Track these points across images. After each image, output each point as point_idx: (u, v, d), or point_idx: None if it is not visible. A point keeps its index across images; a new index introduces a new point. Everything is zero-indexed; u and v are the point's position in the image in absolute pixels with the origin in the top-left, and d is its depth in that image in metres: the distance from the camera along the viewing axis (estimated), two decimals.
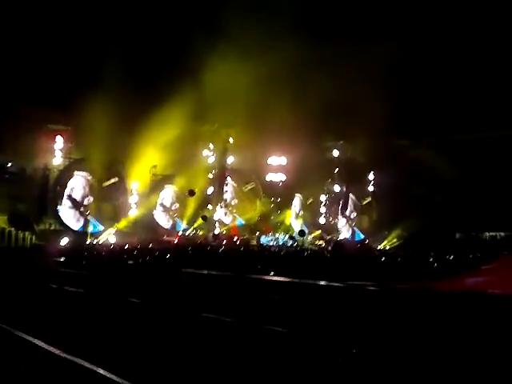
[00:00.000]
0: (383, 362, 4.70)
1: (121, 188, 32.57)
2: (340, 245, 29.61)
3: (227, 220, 36.05)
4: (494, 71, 28.98)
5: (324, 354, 4.77)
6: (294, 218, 38.45)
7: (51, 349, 4.23)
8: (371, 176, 39.18)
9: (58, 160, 31.09)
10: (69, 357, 3.95)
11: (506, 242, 30.62)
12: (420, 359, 4.72)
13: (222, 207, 34.74)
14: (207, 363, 5.28)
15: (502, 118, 29.52)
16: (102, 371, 3.65)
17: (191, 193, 31.32)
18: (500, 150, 31.02)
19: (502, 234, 32.46)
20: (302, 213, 38.94)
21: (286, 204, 38.27)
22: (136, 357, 5.64)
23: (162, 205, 34.44)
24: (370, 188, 39.49)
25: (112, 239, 30.65)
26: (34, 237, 28.89)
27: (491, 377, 4.43)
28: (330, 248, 29.12)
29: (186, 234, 33.80)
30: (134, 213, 32.92)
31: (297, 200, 38.86)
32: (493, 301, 7.97)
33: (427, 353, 4.88)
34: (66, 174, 31.28)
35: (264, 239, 35.02)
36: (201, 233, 33.82)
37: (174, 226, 34.59)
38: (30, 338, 4.71)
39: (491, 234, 33.03)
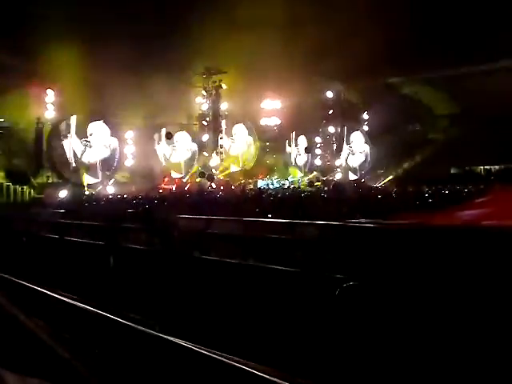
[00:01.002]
0: (380, 294, 4.88)
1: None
2: (339, 185, 29.88)
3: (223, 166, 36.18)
4: (484, 5, 28.51)
5: (322, 287, 4.95)
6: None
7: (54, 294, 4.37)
8: (365, 115, 39.10)
9: (50, 113, 30.80)
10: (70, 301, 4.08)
11: (500, 174, 30.90)
12: (416, 294, 4.91)
13: (217, 154, 34.77)
14: (211, 302, 5.49)
15: (493, 51, 29.24)
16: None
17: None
18: (493, 83, 30.86)
19: (497, 167, 32.74)
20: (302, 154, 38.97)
21: (281, 147, 38.33)
22: (136, 299, 5.83)
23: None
24: (365, 128, 39.50)
25: (110, 190, 30.79)
26: (32, 190, 29.00)
27: (487, 311, 4.59)
28: (326, 189, 29.37)
29: (184, 181, 33.96)
30: (130, 162, 32.95)
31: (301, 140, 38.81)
32: (486, 233, 8.11)
33: (422, 288, 5.07)
34: (59, 128, 31.03)
35: (261, 183, 35.26)
36: (198, 180, 33.97)
37: (171, 173, 34.71)
38: (33, 286, 4.86)
39: (486, 167, 33.30)
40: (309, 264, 6.66)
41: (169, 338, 3.47)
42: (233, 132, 37.17)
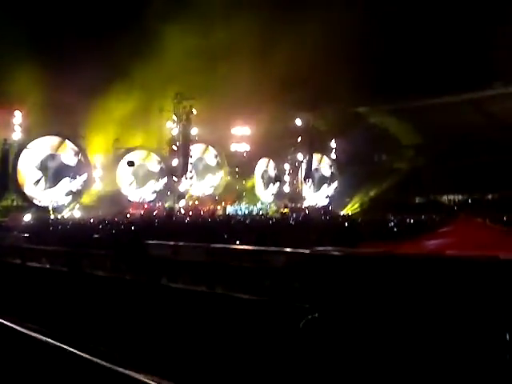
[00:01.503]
0: (345, 326, 4.91)
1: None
2: (308, 213, 30.14)
3: (192, 191, 36.16)
4: (449, 37, 29.39)
5: (287, 319, 4.96)
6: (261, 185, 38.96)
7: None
8: (333, 144, 39.67)
9: (17, 135, 30.42)
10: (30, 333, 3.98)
11: (464, 204, 31.51)
12: (381, 324, 4.95)
13: (186, 178, 34.70)
14: (176, 331, 5.45)
15: (457, 84, 30.06)
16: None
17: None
18: (458, 114, 31.67)
19: (460, 196, 33.38)
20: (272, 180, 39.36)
21: (250, 173, 38.52)
22: (106, 329, 5.76)
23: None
24: (333, 156, 40.05)
25: (77, 214, 30.40)
26: None
27: (450, 337, 4.68)
28: (294, 215, 29.55)
29: (152, 206, 33.77)
30: (97, 187, 32.63)
31: (262, 167, 39.23)
32: (450, 262, 8.25)
33: (388, 317, 5.12)
34: (26, 150, 30.68)
35: (230, 209, 35.28)
36: (166, 204, 33.80)
37: (139, 198, 34.56)
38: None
39: (449, 197, 33.93)
40: (276, 293, 6.69)
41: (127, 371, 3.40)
42: (203, 157, 37.36)
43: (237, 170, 38.14)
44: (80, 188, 32.20)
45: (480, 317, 5.25)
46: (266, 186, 39.52)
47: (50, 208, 30.21)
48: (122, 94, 28.81)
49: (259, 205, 37.18)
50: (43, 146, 31.15)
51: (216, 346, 5.13)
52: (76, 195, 32.01)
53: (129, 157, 33.53)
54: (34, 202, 30.31)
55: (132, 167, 32.53)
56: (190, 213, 31.60)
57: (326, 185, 40.57)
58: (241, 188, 37.87)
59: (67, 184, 31.76)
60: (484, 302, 5.65)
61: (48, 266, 10.26)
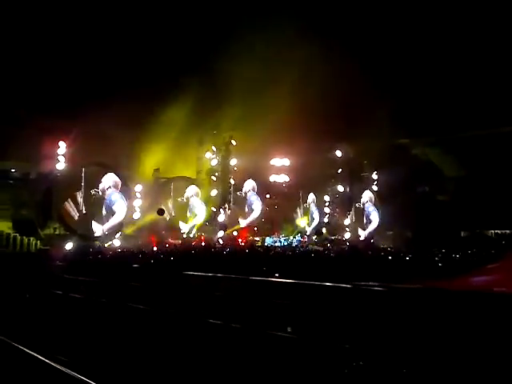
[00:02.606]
0: (391, 372, 4.63)
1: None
2: (354, 246, 29.64)
3: (232, 222, 36.11)
4: (495, 69, 28.92)
5: (331, 364, 4.70)
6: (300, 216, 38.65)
7: (53, 364, 4.11)
8: (374, 176, 39.18)
9: (61, 165, 31.07)
10: (72, 373, 3.83)
11: (511, 239, 30.52)
12: (430, 366, 4.66)
13: (225, 210, 34.74)
14: (214, 371, 5.25)
15: (503, 114, 29.45)
16: None
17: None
18: (503, 146, 30.94)
19: (508, 231, 32.38)
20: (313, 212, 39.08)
21: (290, 205, 38.31)
22: (142, 367, 5.60)
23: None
24: (374, 188, 39.50)
25: (117, 243, 30.65)
26: (38, 242, 28.89)
27: (500, 375, 4.37)
28: (334, 247, 29.09)
29: (191, 236, 33.81)
30: (137, 216, 32.90)
31: (310, 198, 39.03)
32: (499, 300, 7.89)
33: (437, 358, 4.82)
34: (70, 179, 31.26)
35: (269, 240, 35.04)
36: (205, 235, 33.81)
37: (178, 228, 34.66)
38: (32, 352, 4.58)
39: (496, 231, 32.94)
40: (317, 330, 6.44)
41: None
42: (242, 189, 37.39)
43: (276, 201, 38.03)
44: (122, 218, 32.50)
45: None
46: (306, 217, 39.17)
47: (93, 237, 30.56)
48: (162, 124, 29.26)
49: (298, 236, 36.83)
50: (87, 176, 31.66)
51: None
52: (118, 226, 32.30)
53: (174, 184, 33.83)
54: (77, 231, 30.69)
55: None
56: (229, 243, 31.49)
57: (367, 217, 39.94)
58: (280, 219, 37.64)
59: (110, 216, 32.08)
60: None
61: (88, 297, 10.23)
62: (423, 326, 6.56)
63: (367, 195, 39.77)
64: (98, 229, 30.68)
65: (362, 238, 37.58)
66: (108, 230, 30.90)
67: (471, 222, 32.31)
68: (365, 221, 39.47)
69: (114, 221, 31.11)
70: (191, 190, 34.59)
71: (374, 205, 39.47)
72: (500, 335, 5.88)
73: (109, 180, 31.41)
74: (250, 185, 37.58)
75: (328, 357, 4.76)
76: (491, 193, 31.30)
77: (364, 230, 38.98)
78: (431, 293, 8.87)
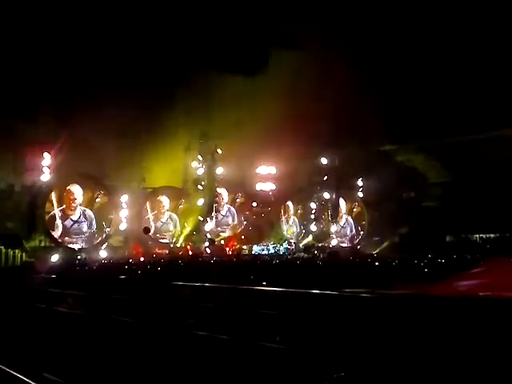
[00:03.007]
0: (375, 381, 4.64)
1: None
2: (335, 252, 29.73)
3: (218, 231, 36.08)
4: (478, 75, 29.25)
5: (312, 375, 4.71)
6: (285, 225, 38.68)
7: None
8: (360, 182, 39.36)
9: (46, 176, 30.89)
10: None
11: (496, 243, 30.76)
12: (417, 373, 4.68)
13: (212, 218, 34.68)
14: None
15: (488, 120, 29.77)
16: None
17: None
18: (487, 152, 31.25)
19: (492, 235, 32.64)
20: (294, 220, 39.18)
21: (277, 213, 38.33)
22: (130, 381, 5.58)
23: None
24: (360, 194, 39.68)
25: (103, 254, 30.48)
26: (24, 254, 28.64)
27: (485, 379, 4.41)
28: (321, 255, 29.19)
29: (178, 246, 33.72)
30: (124, 227, 32.75)
31: (289, 207, 39.14)
32: (485, 304, 7.94)
33: (425, 365, 4.85)
34: (54, 190, 31.14)
35: (256, 248, 35.03)
36: (191, 245, 33.72)
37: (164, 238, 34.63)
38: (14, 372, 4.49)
39: (481, 235, 33.20)
40: (303, 340, 6.45)
41: None
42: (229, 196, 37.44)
43: (263, 209, 38.04)
44: (107, 229, 32.37)
45: None
46: (292, 225, 39.21)
47: (78, 248, 30.41)
48: (148, 133, 29.24)
49: (285, 244, 36.84)
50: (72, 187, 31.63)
51: None
52: (104, 237, 32.18)
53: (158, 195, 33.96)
54: (62, 243, 30.53)
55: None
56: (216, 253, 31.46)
57: (353, 224, 40.12)
58: (267, 227, 37.62)
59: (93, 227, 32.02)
60: None
61: (72, 311, 10.13)
62: (409, 332, 6.60)
63: (352, 202, 40.03)
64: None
65: (347, 245, 37.75)
66: None
67: (456, 227, 32.57)
68: (350, 228, 39.75)
69: None
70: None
71: (360, 212, 39.72)
72: (486, 338, 5.93)
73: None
74: (235, 193, 37.66)
75: (309, 368, 4.77)
76: (476, 198, 31.58)
77: (350, 237, 39.23)
78: (417, 299, 8.91)
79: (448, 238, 33.71)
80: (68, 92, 27.94)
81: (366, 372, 4.84)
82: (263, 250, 34.60)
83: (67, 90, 28.06)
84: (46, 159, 30.66)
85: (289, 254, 32.76)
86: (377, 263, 17.64)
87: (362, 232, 39.45)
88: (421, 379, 4.54)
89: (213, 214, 34.81)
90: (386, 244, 34.10)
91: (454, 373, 4.72)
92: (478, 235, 33.27)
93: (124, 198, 32.70)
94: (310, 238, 37.71)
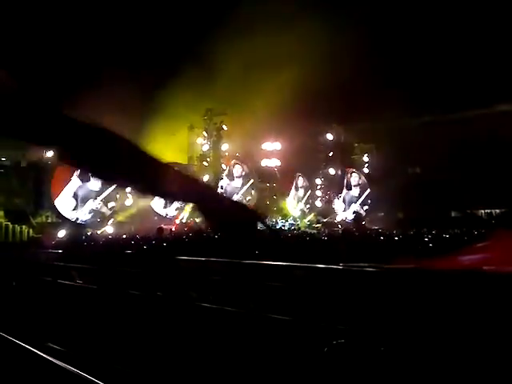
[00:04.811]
0: (374, 351, 4.68)
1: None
2: (341, 228, 29.78)
3: None
4: (490, 51, 29.01)
5: (313, 343, 4.76)
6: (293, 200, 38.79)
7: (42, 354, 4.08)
8: (366, 158, 39.28)
9: (51, 153, 30.97)
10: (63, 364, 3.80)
11: (501, 218, 30.75)
12: (415, 346, 4.72)
13: None
14: (209, 354, 5.33)
15: (493, 95, 29.58)
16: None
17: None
18: (494, 126, 31.07)
19: (497, 210, 32.65)
20: (299, 196, 39.26)
21: (282, 188, 38.40)
22: (136, 353, 5.66)
23: None
24: (365, 170, 39.64)
25: (110, 230, 30.69)
26: (31, 230, 28.89)
27: (491, 357, 4.42)
28: (326, 231, 29.26)
29: (184, 222, 33.89)
30: (130, 203, 32.91)
31: (299, 182, 39.19)
32: (488, 278, 7.97)
33: (423, 338, 4.89)
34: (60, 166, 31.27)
35: (261, 224, 35.08)
36: (198, 220, 33.84)
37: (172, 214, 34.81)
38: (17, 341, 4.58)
39: (486, 211, 33.23)
40: (307, 311, 6.52)
41: None
42: (234, 173, 37.49)
43: (268, 185, 38.09)
44: (114, 205, 32.56)
45: None
46: (298, 201, 39.29)
47: (85, 224, 30.64)
48: (153, 110, 29.19)
49: (291, 220, 36.98)
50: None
51: (235, 366, 4.98)
52: (110, 212, 32.38)
53: None
54: (68, 218, 30.77)
55: None
56: None
57: (358, 199, 40.15)
58: (272, 203, 37.72)
59: (98, 203, 32.22)
60: None
61: (78, 283, 10.23)
62: (412, 305, 6.64)
63: (358, 177, 39.99)
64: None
65: (352, 220, 37.79)
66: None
67: (462, 202, 32.56)
68: (356, 203, 39.77)
69: None
70: None
71: (366, 187, 39.67)
72: (489, 313, 5.94)
73: None
74: (241, 169, 37.71)
75: (311, 337, 4.82)
76: (481, 173, 31.50)
77: (355, 212, 39.25)
78: (420, 272, 8.96)
79: (453, 214, 33.73)
80: (71, 69, 27.85)
81: (366, 340, 4.89)
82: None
83: (71, 67, 27.97)
84: None
85: (294, 230, 32.81)
86: (382, 238, 17.67)
87: (367, 207, 39.50)
88: (418, 350, 4.59)
89: (219, 190, 34.85)
90: (391, 219, 34.15)
91: (452, 344, 4.75)
92: (483, 210, 33.30)
93: None
94: (312, 215, 37.88)
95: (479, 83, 29.61)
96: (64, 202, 31.01)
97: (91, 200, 31.84)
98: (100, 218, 31.73)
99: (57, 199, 30.82)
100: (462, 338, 4.89)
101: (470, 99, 30.32)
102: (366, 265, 10.65)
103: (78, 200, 31.47)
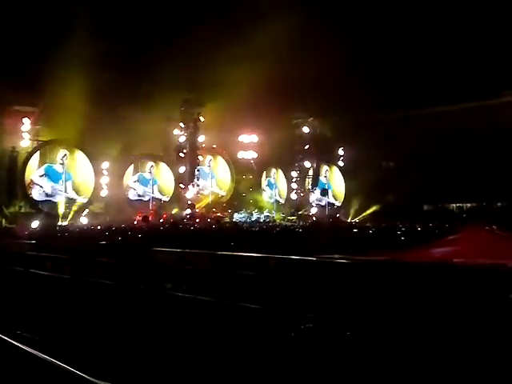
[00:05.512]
0: (341, 336, 4.81)
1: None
2: (316, 222, 30.08)
3: (199, 199, 36.14)
4: (459, 45, 29.37)
5: (281, 329, 4.88)
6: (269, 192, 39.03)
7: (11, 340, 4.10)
8: (341, 151, 39.61)
9: (25, 142, 30.61)
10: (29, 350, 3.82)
11: (472, 212, 31.39)
12: (382, 332, 4.86)
13: (194, 186, 34.69)
14: (184, 341, 5.40)
15: (467, 90, 30.01)
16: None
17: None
18: (467, 122, 31.55)
19: (468, 204, 33.32)
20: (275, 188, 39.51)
21: (257, 181, 38.50)
22: (106, 339, 5.69)
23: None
24: (340, 163, 39.99)
25: (84, 220, 30.46)
26: (3, 220, 28.54)
27: (454, 345, 4.59)
28: (301, 223, 29.51)
29: (161, 213, 33.78)
30: (105, 193, 32.70)
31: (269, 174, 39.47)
32: (458, 270, 8.21)
33: (392, 326, 5.04)
34: (35, 156, 30.94)
35: (237, 216, 35.25)
36: (174, 211, 33.78)
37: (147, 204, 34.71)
38: None
39: (458, 205, 33.87)
40: (279, 301, 6.65)
41: None
42: (210, 164, 37.56)
43: (244, 177, 38.15)
44: (87, 195, 32.34)
45: (485, 324, 5.19)
46: (273, 193, 39.47)
47: (59, 215, 30.35)
48: (129, 101, 28.88)
49: (266, 212, 37.13)
50: (50, 154, 31.49)
51: (209, 353, 5.08)
52: (84, 203, 32.14)
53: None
54: (41, 208, 30.45)
55: None
56: (197, 220, 31.60)
57: (333, 192, 40.55)
58: (248, 195, 37.80)
59: (71, 192, 32.01)
60: (491, 309, 5.59)
61: (50, 273, 10.20)
62: (382, 295, 6.82)
63: (333, 171, 40.46)
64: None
65: (327, 213, 38.21)
66: None
67: (434, 196, 33.13)
68: (330, 196, 40.21)
69: None
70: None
71: (340, 180, 40.14)
72: (457, 304, 6.15)
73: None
74: (217, 161, 37.84)
75: (283, 324, 4.94)
76: (454, 168, 32.02)
77: (330, 205, 39.71)
78: (391, 264, 9.16)
79: (426, 207, 34.33)
80: (47, 56, 27.37)
81: (333, 325, 5.02)
82: (244, 218, 34.85)
83: (46, 54, 27.48)
84: (26, 124, 30.34)
85: (269, 222, 33.06)
86: (355, 230, 17.94)
87: (340, 201, 39.95)
88: (386, 336, 4.74)
89: (194, 181, 34.79)
90: (365, 213, 34.56)
91: (421, 332, 4.91)
92: (454, 204, 33.94)
93: (105, 165, 32.53)
94: (288, 207, 38.19)
95: (454, 78, 30.00)
96: (37, 190, 30.81)
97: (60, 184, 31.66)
98: (73, 207, 31.44)
99: (29, 188, 30.55)
100: (430, 327, 5.06)
101: (445, 94, 30.70)
102: (339, 256, 10.86)
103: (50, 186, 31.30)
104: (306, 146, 38.07)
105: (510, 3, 27.35)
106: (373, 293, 6.91)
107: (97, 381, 3.21)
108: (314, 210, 38.08)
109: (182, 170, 34.23)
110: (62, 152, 31.65)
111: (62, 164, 31.69)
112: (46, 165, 31.31)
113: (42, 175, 31.22)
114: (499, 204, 31.95)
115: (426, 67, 30.55)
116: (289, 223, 32.23)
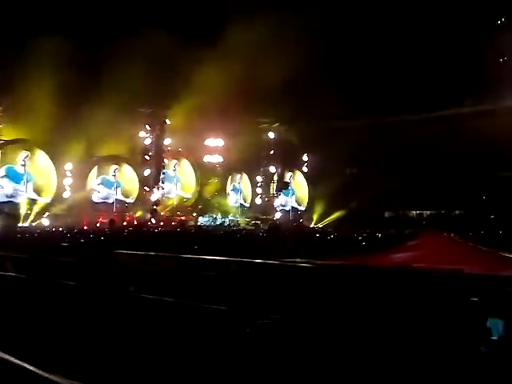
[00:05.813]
0: (299, 333, 4.92)
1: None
2: (276, 225, 30.26)
3: (164, 202, 35.96)
4: (426, 56, 30.07)
5: (239, 325, 4.97)
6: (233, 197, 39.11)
7: None
8: (305, 157, 39.99)
9: None
10: None
11: (432, 219, 32.12)
12: (340, 332, 4.98)
13: (158, 189, 34.50)
14: (147, 341, 5.44)
15: (429, 101, 30.73)
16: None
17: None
18: (428, 131, 32.28)
19: (428, 212, 34.11)
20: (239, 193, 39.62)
21: (223, 185, 38.57)
22: (65, 341, 5.68)
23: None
24: (304, 169, 40.37)
25: (46, 222, 30.00)
26: None
27: (411, 349, 4.71)
28: (266, 227, 29.68)
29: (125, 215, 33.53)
30: (67, 195, 32.24)
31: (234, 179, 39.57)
32: (416, 275, 8.44)
33: (350, 328, 5.17)
34: None
35: (202, 219, 35.24)
36: (138, 214, 33.56)
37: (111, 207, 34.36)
38: None
39: (418, 212, 34.66)
40: (241, 302, 6.73)
41: None
42: (176, 167, 37.42)
43: (209, 181, 38.16)
44: (50, 197, 31.85)
45: (443, 328, 5.38)
46: (238, 197, 39.57)
47: (19, 216, 29.80)
48: (95, 102, 28.57)
49: (231, 216, 37.23)
50: (11, 155, 30.97)
51: (171, 353, 5.14)
52: (46, 204, 31.64)
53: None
54: (2, 209, 29.87)
55: None
56: (161, 223, 31.48)
57: (296, 197, 40.88)
58: (213, 199, 37.82)
59: (32, 193, 31.50)
60: (448, 314, 5.79)
61: (6, 273, 10.03)
62: (342, 297, 6.98)
63: (297, 176, 40.80)
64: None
65: (291, 218, 38.51)
66: None
67: (395, 203, 33.81)
68: (294, 201, 40.52)
69: None
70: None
71: (304, 186, 40.51)
72: (415, 308, 6.34)
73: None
74: (183, 164, 37.72)
75: (243, 324, 5.02)
76: (415, 176, 32.70)
77: (294, 210, 40.04)
78: (352, 268, 9.35)
79: (387, 214, 34.99)
80: (10, 56, 26.90)
81: (290, 323, 5.13)
82: (208, 222, 34.87)
83: (9, 54, 27.00)
84: None
85: (233, 226, 33.16)
86: (317, 235, 18.19)
87: (304, 206, 40.31)
88: (341, 336, 4.86)
89: (159, 184, 34.61)
90: (328, 218, 34.98)
91: (379, 334, 5.02)
92: (414, 211, 34.71)
93: (68, 166, 32.10)
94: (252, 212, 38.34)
95: (417, 88, 30.66)
96: None
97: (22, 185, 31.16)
98: (34, 208, 30.93)
99: None
100: (389, 330, 5.22)
101: (408, 104, 31.34)
102: (300, 260, 11.02)
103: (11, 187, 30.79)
104: (272, 152, 38.33)
105: (470, 15, 28.20)
106: (334, 296, 7.05)
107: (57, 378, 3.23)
108: (278, 215, 38.32)
109: (146, 172, 34.01)
110: (23, 153, 31.08)
111: (24, 165, 31.11)
112: (6, 166, 30.73)
113: (3, 176, 30.63)
114: (457, 212, 32.84)
115: (390, 77, 31.13)
116: (253, 227, 32.38)
